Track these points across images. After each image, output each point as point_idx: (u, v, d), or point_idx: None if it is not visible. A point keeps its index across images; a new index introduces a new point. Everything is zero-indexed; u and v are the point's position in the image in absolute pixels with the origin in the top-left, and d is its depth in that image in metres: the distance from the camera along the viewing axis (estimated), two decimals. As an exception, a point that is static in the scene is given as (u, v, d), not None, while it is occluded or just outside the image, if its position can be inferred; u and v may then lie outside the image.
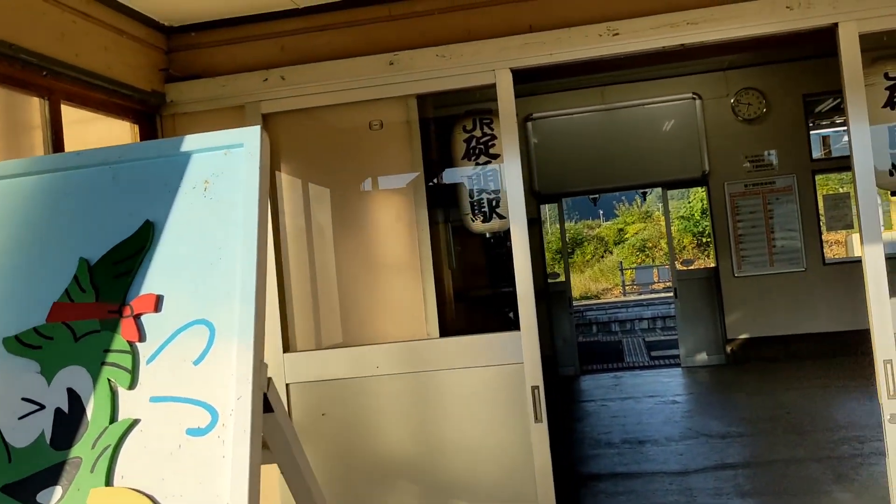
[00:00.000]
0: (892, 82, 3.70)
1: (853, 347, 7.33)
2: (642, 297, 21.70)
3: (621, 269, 25.85)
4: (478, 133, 4.04)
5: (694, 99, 9.63)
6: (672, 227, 26.21)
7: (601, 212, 30.48)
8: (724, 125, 9.58)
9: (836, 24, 3.58)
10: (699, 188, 12.89)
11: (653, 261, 26.29)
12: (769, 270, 9.51)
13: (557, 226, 28.39)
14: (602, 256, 29.10)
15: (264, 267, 1.96)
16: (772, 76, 9.39)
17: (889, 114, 3.72)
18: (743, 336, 9.70)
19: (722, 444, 6.40)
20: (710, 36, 3.66)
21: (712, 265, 10.78)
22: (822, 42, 3.67)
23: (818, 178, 9.76)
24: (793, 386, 8.18)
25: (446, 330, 3.97)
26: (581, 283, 27.03)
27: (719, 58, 8.80)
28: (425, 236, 3.97)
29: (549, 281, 10.37)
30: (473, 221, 4.08)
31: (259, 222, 1.98)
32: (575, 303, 22.34)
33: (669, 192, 13.94)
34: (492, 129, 4.02)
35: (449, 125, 4.11)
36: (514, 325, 3.75)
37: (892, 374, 3.45)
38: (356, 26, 3.97)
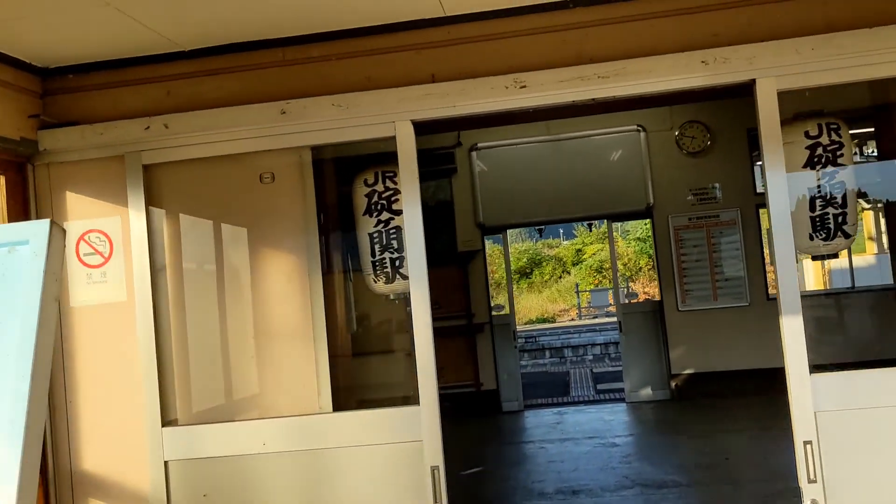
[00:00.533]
0: (812, 141, 3.50)
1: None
2: (596, 321, 21.60)
3: (577, 292, 25.79)
4: (380, 188, 3.75)
5: (639, 131, 9.48)
6: (629, 249, 26.21)
7: (561, 230, 30.47)
8: (669, 158, 9.44)
9: (753, 81, 3.38)
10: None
11: (609, 282, 26.27)
12: (713, 305, 9.36)
13: (517, 246, 28.17)
14: (560, 277, 29.06)
15: (42, 399, 1.64)
16: (716, 110, 9.27)
17: (809, 174, 3.52)
18: (687, 371, 9.52)
19: (657, 495, 6.16)
20: (622, 91, 3.43)
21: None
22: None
23: (762, 211, 9.66)
24: (734, 427, 7.97)
25: (340, 403, 3.66)
26: (538, 303, 26.92)
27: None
28: (319, 300, 3.65)
29: (494, 314, 10.11)
30: (376, 282, 3.78)
31: (38, 341, 1.66)
32: (529, 327, 22.16)
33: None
34: (395, 184, 3.73)
35: (350, 177, 3.82)
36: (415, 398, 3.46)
37: (813, 457, 3.23)
38: (247, 71, 3.67)
